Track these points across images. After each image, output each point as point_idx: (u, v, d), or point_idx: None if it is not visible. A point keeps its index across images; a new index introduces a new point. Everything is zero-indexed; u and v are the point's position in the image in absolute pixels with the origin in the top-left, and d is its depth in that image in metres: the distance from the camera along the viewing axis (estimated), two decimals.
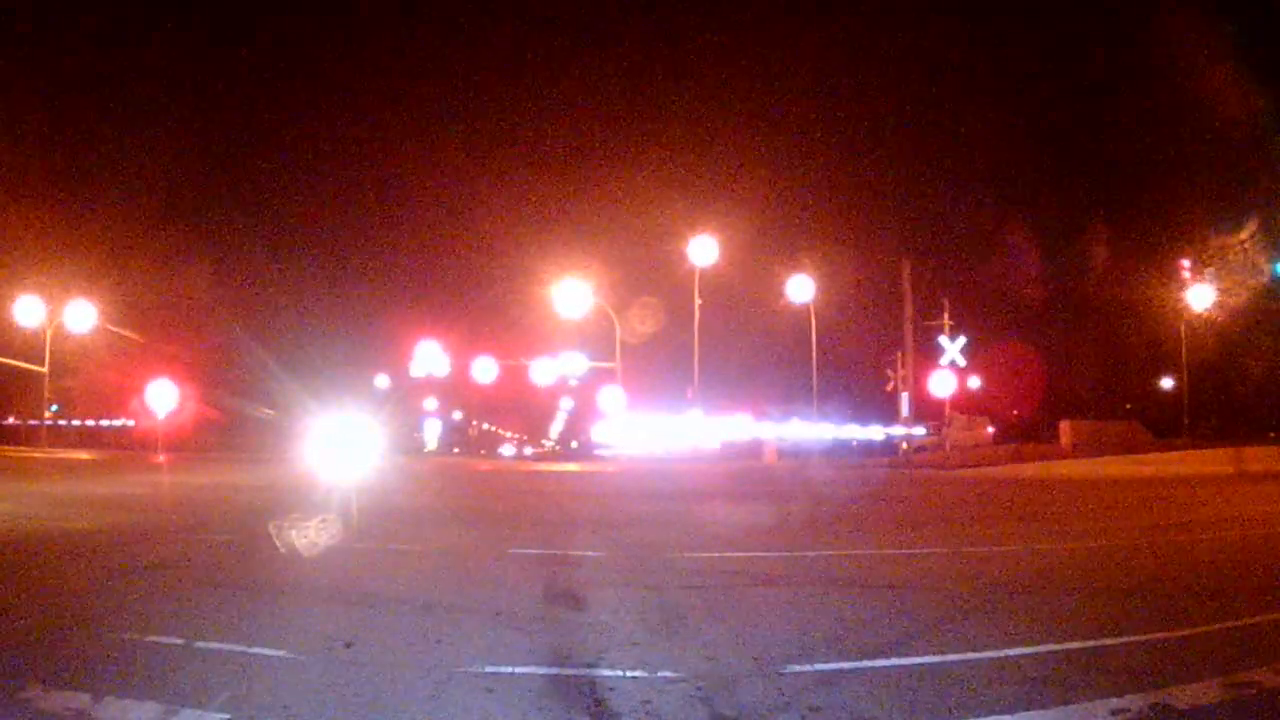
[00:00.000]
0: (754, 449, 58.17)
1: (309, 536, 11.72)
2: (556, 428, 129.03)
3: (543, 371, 55.51)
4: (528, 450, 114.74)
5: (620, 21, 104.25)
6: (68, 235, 54.87)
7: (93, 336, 53.46)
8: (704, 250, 49.41)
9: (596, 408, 57.95)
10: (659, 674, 6.08)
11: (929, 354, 47.06)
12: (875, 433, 68.18)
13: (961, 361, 46.80)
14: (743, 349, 64.46)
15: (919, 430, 50.88)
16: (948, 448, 46.36)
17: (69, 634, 7.15)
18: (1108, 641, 7.05)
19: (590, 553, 12.16)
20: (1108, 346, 59.46)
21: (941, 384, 45.38)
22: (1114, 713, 5.39)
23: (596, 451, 61.05)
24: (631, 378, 53.66)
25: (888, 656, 6.54)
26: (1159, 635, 7.34)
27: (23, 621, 7.70)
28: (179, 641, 6.73)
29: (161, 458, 40.45)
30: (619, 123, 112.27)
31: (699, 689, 5.77)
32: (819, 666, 6.27)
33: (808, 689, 5.80)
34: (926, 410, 50.53)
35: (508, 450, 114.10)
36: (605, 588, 9.53)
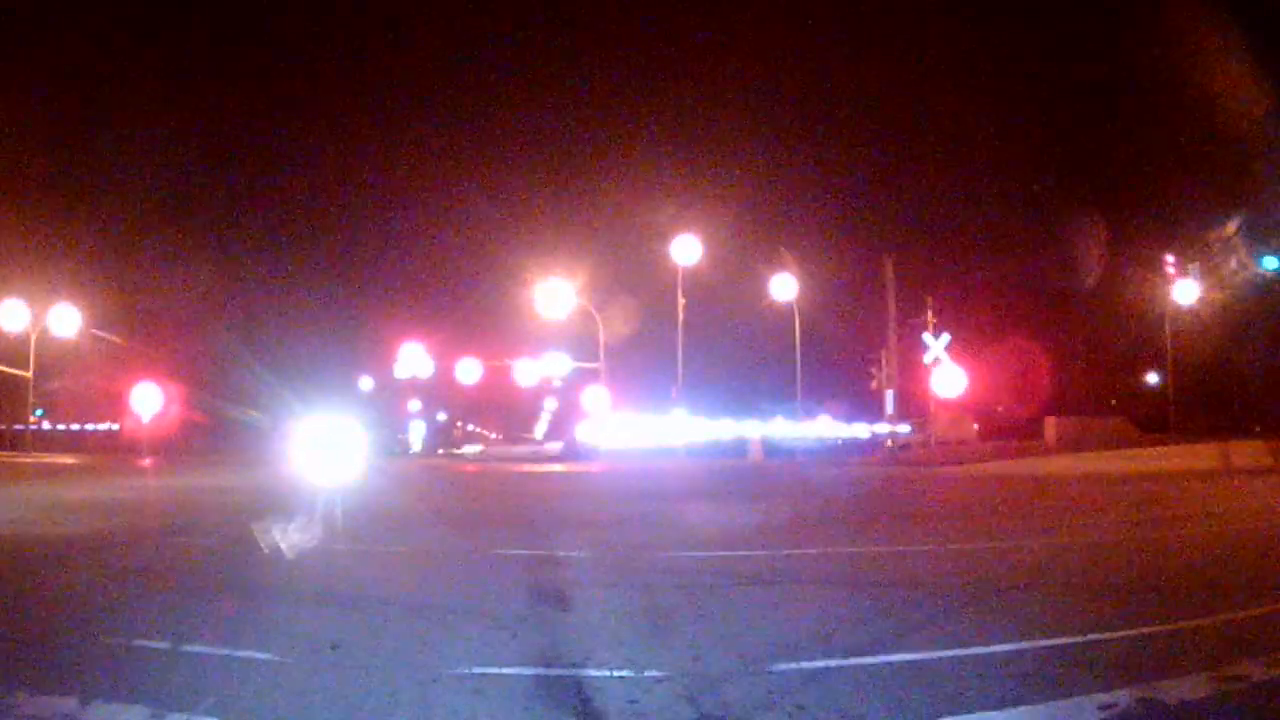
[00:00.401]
0: (739, 448, 58.12)
1: (294, 539, 11.69)
2: (541, 428, 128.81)
3: (526, 372, 55.56)
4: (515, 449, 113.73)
5: (602, 23, 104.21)
6: (52, 239, 54.79)
7: (77, 340, 53.37)
8: (687, 249, 49.51)
9: (580, 408, 57.98)
10: (645, 673, 6.07)
11: (914, 351, 47.13)
12: (860, 430, 68.21)
13: (945, 358, 46.84)
14: (727, 348, 64.65)
15: (903, 428, 50.95)
16: (932, 445, 46.41)
17: (56, 639, 7.12)
18: (1095, 637, 7.06)
19: (576, 553, 12.15)
20: (1093, 342, 59.72)
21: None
22: (1102, 708, 5.39)
23: (582, 451, 60.94)
24: (616, 377, 53.76)
25: (874, 654, 6.54)
26: (1147, 630, 7.36)
27: (9, 627, 7.66)
28: (166, 645, 6.71)
29: (147, 461, 40.29)
30: (601, 123, 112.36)
31: (685, 688, 5.76)
32: (805, 664, 6.27)
33: (794, 687, 5.80)
34: (911, 407, 50.61)
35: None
36: (591, 588, 9.53)
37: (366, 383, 69.64)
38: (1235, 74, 38.36)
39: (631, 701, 5.50)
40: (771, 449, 55.52)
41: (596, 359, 52.51)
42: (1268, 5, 42.46)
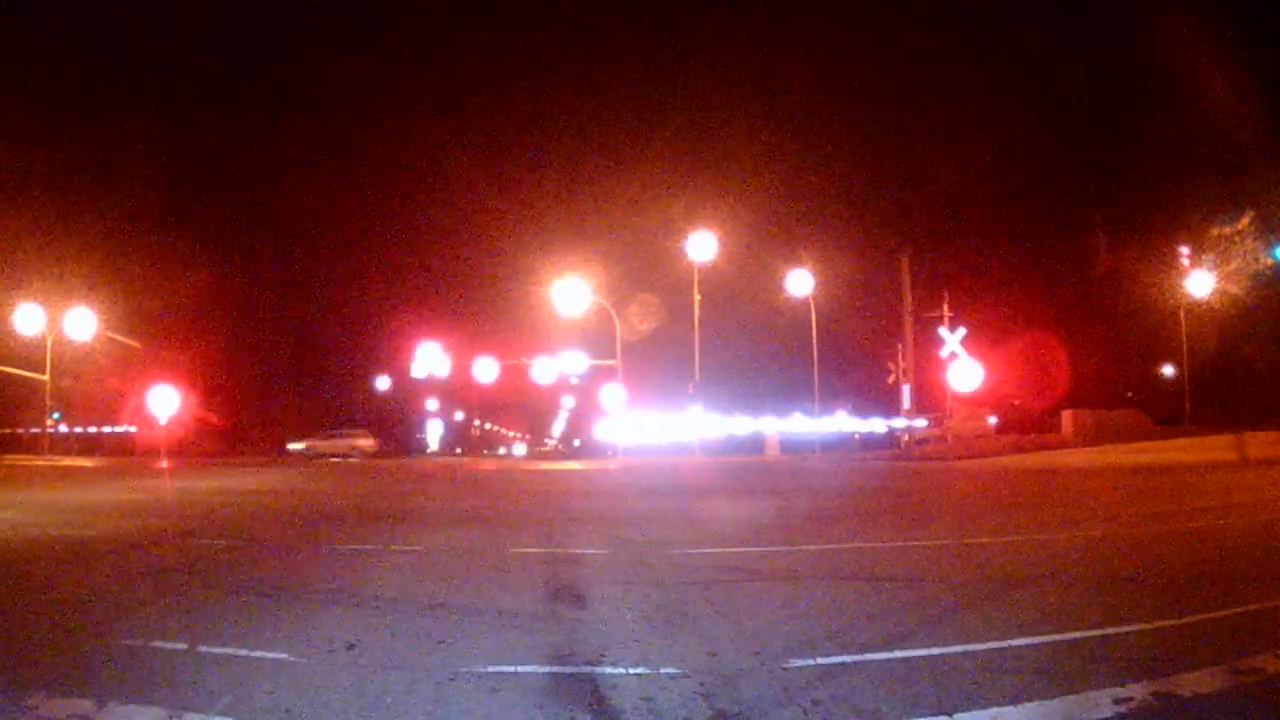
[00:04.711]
0: (755, 444, 58.09)
1: (310, 539, 11.72)
2: (559, 426, 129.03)
3: (543, 370, 55.59)
4: (518, 450, 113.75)
5: (617, 19, 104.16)
6: (67, 242, 54.97)
7: (93, 343, 53.57)
8: (703, 246, 49.55)
9: (598, 405, 58.03)
10: (661, 670, 6.09)
11: (929, 346, 47.05)
12: (877, 425, 68.05)
13: (962, 353, 46.75)
14: (743, 344, 64.62)
15: (920, 422, 50.83)
16: (949, 439, 46.30)
17: (72, 640, 7.15)
18: (1111, 630, 7.06)
19: (592, 550, 12.16)
20: (1108, 335, 59.57)
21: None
22: (1117, 701, 5.39)
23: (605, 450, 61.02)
24: (632, 375, 53.78)
25: (890, 649, 6.54)
26: (1162, 623, 7.35)
27: (25, 628, 7.70)
28: (182, 646, 6.73)
29: (164, 464, 40.41)
30: (617, 120, 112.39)
31: (701, 684, 5.77)
32: (821, 660, 6.27)
33: (810, 683, 5.81)
34: (928, 402, 50.50)
35: (520, 449, 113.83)
36: (607, 585, 9.53)
37: (384, 382, 69.67)
38: (1248, 67, 38.30)
39: (647, 699, 5.51)
40: (788, 445, 55.52)
41: (613, 356, 52.51)
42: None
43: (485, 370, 54.28)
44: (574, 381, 65.54)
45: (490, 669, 6.15)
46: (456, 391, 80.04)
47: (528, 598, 8.82)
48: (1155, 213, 54.14)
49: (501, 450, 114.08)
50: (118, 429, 76.37)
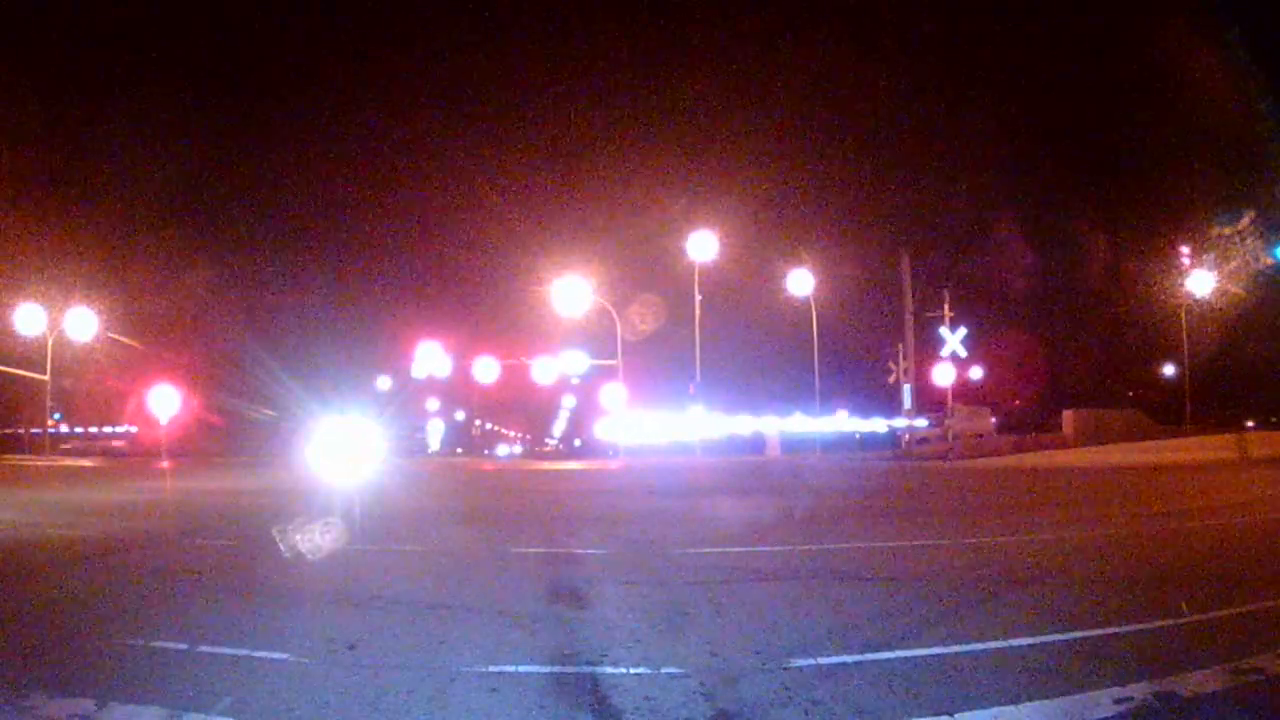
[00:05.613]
0: (756, 443, 58.08)
1: (311, 540, 11.70)
2: (559, 426, 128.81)
3: (544, 370, 55.58)
4: (517, 450, 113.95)
5: (616, 18, 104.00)
6: (67, 242, 54.87)
7: (94, 344, 53.54)
8: (703, 246, 49.58)
9: (599, 405, 58.01)
10: (662, 670, 6.08)
11: (930, 345, 47.07)
12: (877, 425, 68.00)
13: (962, 352, 46.88)
14: (744, 344, 64.54)
15: (921, 422, 50.79)
16: (950, 439, 46.27)
17: (72, 640, 7.15)
18: (1112, 630, 7.06)
19: (593, 550, 12.16)
20: (1109, 335, 59.59)
21: (941, 375, 45.35)
22: (1118, 702, 5.39)
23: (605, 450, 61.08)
24: (633, 375, 53.75)
25: (891, 649, 6.54)
26: (1163, 623, 7.34)
27: (25, 628, 7.70)
28: (182, 646, 6.73)
29: (165, 464, 40.41)
30: (616, 120, 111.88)
31: (702, 684, 5.77)
32: (822, 660, 6.27)
33: (810, 683, 5.80)
34: (929, 402, 50.46)
35: (517, 450, 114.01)
36: (608, 585, 9.52)
37: (384, 382, 69.69)
38: (1249, 66, 38.30)
39: (648, 698, 5.51)
40: (789, 445, 55.49)
41: (614, 356, 52.50)
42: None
43: (486, 370, 54.31)
44: (575, 381, 65.55)
45: (491, 669, 6.15)
46: (457, 391, 79.93)
47: (529, 597, 8.81)
48: (1155, 213, 54.08)
49: (501, 450, 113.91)
50: (118, 429, 76.33)
